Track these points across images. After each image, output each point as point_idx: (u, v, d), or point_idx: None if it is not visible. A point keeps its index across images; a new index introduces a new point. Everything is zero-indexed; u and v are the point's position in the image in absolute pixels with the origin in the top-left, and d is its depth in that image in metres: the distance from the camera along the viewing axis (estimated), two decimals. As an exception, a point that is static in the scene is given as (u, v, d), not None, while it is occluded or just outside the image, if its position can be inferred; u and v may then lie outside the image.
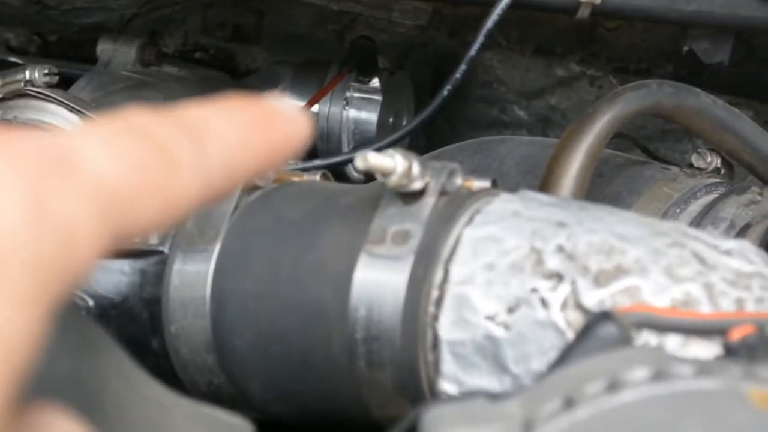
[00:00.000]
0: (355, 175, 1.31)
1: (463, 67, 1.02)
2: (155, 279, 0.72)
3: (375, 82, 1.36)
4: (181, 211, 0.37)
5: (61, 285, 0.32)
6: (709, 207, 0.94)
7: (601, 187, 0.98)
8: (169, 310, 0.69)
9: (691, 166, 1.01)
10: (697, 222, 0.93)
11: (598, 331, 0.54)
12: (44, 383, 0.41)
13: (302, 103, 1.35)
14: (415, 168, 0.63)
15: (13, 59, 1.50)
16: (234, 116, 0.40)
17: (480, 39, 1.01)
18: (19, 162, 0.32)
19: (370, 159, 0.61)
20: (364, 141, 1.36)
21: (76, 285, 0.34)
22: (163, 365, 0.70)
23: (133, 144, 0.36)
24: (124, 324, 0.73)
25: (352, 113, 1.36)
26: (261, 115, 0.40)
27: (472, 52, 1.00)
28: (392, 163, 0.62)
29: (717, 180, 0.99)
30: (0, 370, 0.30)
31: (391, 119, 1.40)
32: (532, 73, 1.44)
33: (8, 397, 0.31)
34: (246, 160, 0.39)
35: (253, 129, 0.40)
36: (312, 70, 1.39)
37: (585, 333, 0.54)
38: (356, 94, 1.36)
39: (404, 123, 1.42)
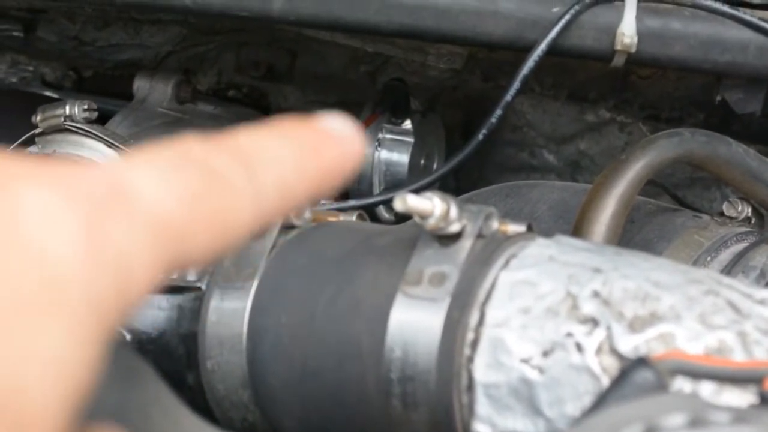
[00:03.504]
0: (386, 216, 1.32)
1: (498, 111, 1.02)
2: (192, 315, 0.73)
3: (407, 124, 1.37)
4: (236, 239, 0.37)
5: (116, 315, 0.33)
6: (740, 256, 0.94)
7: (632, 234, 0.98)
8: (205, 346, 0.70)
9: (722, 214, 1.02)
10: (728, 270, 0.93)
11: (634, 377, 0.54)
12: (90, 415, 0.41)
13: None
14: (453, 211, 0.63)
15: (48, 94, 1.51)
16: (288, 140, 0.39)
17: (516, 84, 1.02)
18: (76, 195, 0.32)
19: (409, 201, 0.62)
20: (395, 182, 1.36)
21: (130, 315, 0.34)
22: (197, 400, 0.70)
23: (188, 174, 0.36)
24: (160, 358, 0.73)
25: (384, 154, 1.37)
26: (315, 137, 0.40)
27: (508, 97, 1.01)
28: (431, 205, 0.63)
29: (748, 229, 0.99)
30: (60, 397, 0.31)
31: (422, 161, 1.40)
32: (563, 118, 1.45)
33: (68, 423, 0.31)
34: (301, 184, 0.39)
35: (308, 152, 0.40)
36: (345, 110, 1.40)
37: (621, 378, 0.54)
38: (388, 136, 1.37)
39: (435, 165, 1.43)
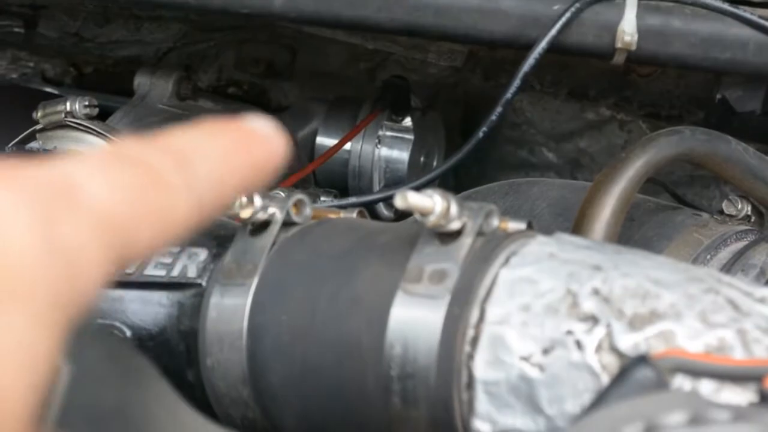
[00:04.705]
0: (386, 213, 1.32)
1: (499, 109, 1.02)
2: (192, 311, 0.73)
3: (407, 122, 1.37)
4: (177, 231, 0.39)
5: (71, 307, 0.34)
6: (740, 254, 0.95)
7: (632, 232, 0.98)
8: (205, 343, 0.70)
9: (721, 212, 1.02)
10: (728, 268, 0.93)
11: (634, 375, 0.54)
12: (91, 412, 0.41)
13: (334, 141, 1.36)
14: (453, 208, 0.64)
15: (49, 90, 1.51)
16: (216, 138, 0.42)
17: (517, 82, 1.02)
18: (24, 191, 0.34)
19: (410, 198, 0.62)
20: (395, 180, 1.36)
21: (86, 308, 0.35)
22: (198, 397, 0.70)
23: (127, 170, 0.38)
24: (160, 355, 0.74)
25: (384, 152, 1.37)
26: (241, 135, 0.43)
27: (509, 94, 1.01)
28: (431, 203, 0.63)
29: (747, 227, 0.99)
30: (23, 390, 0.32)
31: (422, 158, 1.41)
32: (562, 115, 1.45)
33: (28, 411, 0.32)
34: (232, 178, 0.42)
35: (236, 149, 0.42)
36: (345, 107, 1.40)
37: (621, 376, 0.55)
38: (388, 133, 1.37)
39: (435, 162, 1.43)
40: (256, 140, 0.43)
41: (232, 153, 0.42)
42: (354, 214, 0.78)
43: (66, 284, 0.34)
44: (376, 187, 1.36)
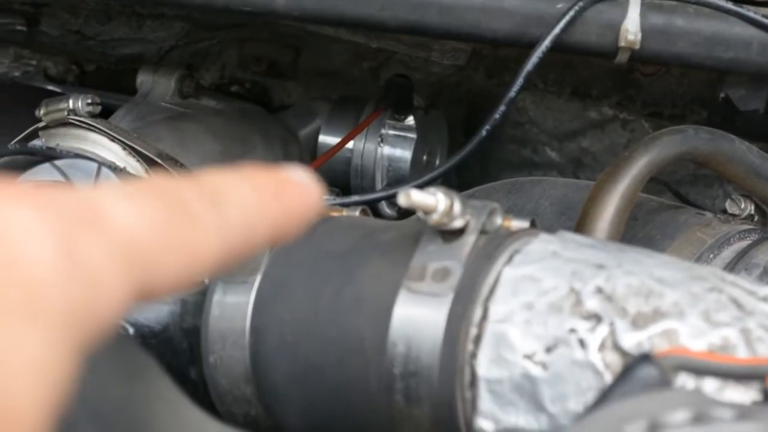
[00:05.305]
0: (388, 211, 1.32)
1: (502, 107, 1.02)
2: (195, 309, 0.73)
3: (410, 120, 1.37)
4: (201, 270, 0.39)
5: (88, 329, 0.34)
6: (743, 253, 0.94)
7: (635, 231, 0.98)
8: (208, 341, 0.70)
9: (724, 212, 1.02)
10: (731, 268, 0.93)
11: (638, 373, 0.54)
12: (95, 411, 0.41)
13: (337, 140, 1.36)
14: (457, 206, 0.64)
15: (51, 88, 1.51)
16: (252, 183, 0.42)
17: (520, 81, 1.02)
18: (50, 215, 0.34)
19: (413, 196, 0.62)
20: (397, 178, 1.36)
21: (103, 331, 0.35)
22: (200, 395, 0.70)
23: (157, 202, 0.38)
24: (163, 353, 0.74)
25: (386, 150, 1.37)
26: (278, 183, 0.43)
27: (512, 93, 1.01)
28: (434, 201, 0.63)
29: (751, 226, 0.99)
30: (37, 403, 0.32)
31: (425, 157, 1.41)
32: (565, 114, 1.45)
33: (45, 425, 0.32)
34: (264, 224, 0.42)
35: (271, 196, 0.42)
36: (348, 106, 1.40)
37: (625, 374, 0.55)
38: (391, 132, 1.37)
39: (437, 161, 1.43)
40: (291, 189, 0.43)
41: (266, 199, 0.42)
42: (357, 213, 0.78)
43: (84, 305, 0.34)
44: (379, 186, 1.36)
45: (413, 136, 1.37)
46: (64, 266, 0.33)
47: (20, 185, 0.35)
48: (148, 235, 0.37)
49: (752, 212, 1.02)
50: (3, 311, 0.32)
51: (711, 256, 0.95)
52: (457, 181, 1.43)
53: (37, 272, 0.33)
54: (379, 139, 1.37)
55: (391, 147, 1.37)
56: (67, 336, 0.33)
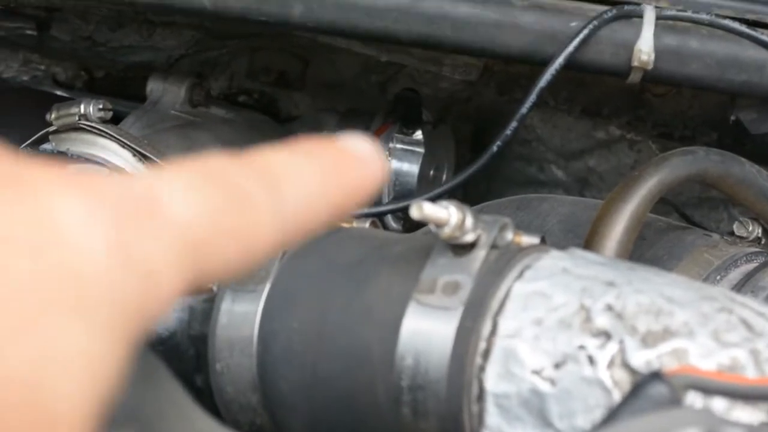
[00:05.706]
0: (394, 225, 1.32)
1: (514, 123, 1.02)
2: (203, 316, 0.73)
3: (418, 135, 1.37)
4: (258, 255, 0.38)
5: (142, 321, 0.33)
6: (750, 275, 0.94)
7: (643, 250, 0.98)
8: (215, 348, 0.70)
9: (732, 234, 1.02)
10: (737, 290, 0.93)
11: (648, 391, 0.54)
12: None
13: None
14: (469, 220, 0.64)
15: (59, 93, 1.51)
16: (311, 160, 0.40)
17: (533, 97, 1.02)
18: (105, 204, 0.33)
19: (426, 209, 0.62)
20: (404, 192, 1.36)
21: (156, 322, 0.34)
22: (206, 402, 0.70)
23: (213, 189, 0.37)
24: (169, 359, 0.73)
25: (394, 164, 1.37)
26: (337, 158, 0.41)
27: (524, 110, 1.01)
28: (447, 214, 0.63)
29: (758, 249, 0.99)
30: (85, 395, 0.31)
31: (431, 172, 1.41)
32: (573, 133, 1.45)
33: (93, 421, 0.32)
34: (323, 204, 0.40)
35: (330, 174, 0.40)
36: (356, 119, 1.40)
37: (635, 392, 0.54)
38: (399, 146, 1.37)
39: (444, 176, 1.43)
40: (352, 163, 0.41)
41: (326, 177, 0.40)
42: (366, 225, 0.78)
43: (137, 298, 0.33)
44: (386, 200, 1.36)
45: (421, 150, 1.37)
46: (116, 258, 0.33)
47: (75, 173, 0.34)
48: (204, 224, 0.36)
49: (759, 235, 1.02)
50: (51, 304, 0.31)
51: (718, 277, 0.95)
52: (462, 197, 1.43)
53: (86, 264, 0.32)
54: (387, 153, 1.37)
55: (399, 161, 1.37)
56: (117, 330, 0.32)
